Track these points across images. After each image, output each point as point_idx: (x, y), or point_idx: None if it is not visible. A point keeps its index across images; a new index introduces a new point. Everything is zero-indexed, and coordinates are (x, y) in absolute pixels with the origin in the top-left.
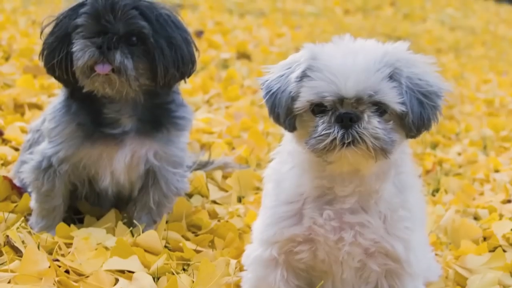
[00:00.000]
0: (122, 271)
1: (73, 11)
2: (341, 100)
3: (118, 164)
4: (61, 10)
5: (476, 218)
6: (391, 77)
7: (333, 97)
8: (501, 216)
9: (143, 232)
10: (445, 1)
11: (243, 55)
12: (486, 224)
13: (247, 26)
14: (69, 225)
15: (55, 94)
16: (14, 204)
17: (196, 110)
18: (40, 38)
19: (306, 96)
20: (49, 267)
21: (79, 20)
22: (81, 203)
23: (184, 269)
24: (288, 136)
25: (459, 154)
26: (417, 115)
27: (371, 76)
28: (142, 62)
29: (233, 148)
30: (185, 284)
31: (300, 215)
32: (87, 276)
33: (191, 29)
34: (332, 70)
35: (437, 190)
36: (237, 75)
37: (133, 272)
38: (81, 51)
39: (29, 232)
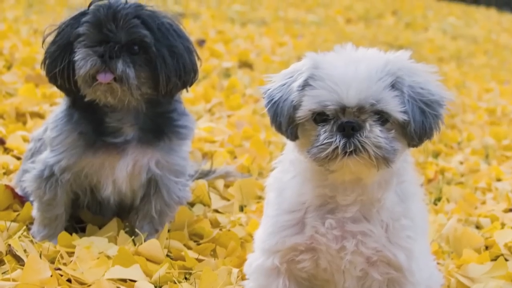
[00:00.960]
0: (124, 280)
1: (75, 20)
2: (343, 109)
3: (120, 173)
4: (63, 19)
5: (478, 227)
6: (393, 86)
7: (335, 106)
8: (503, 225)
9: (145, 241)
10: (447, 10)
11: (245, 64)
12: (488, 233)
13: (249, 35)
14: (71, 234)
15: (57, 103)
16: (16, 213)
17: (198, 119)
18: (42, 47)
19: (308, 105)
20: (51, 276)
21: (81, 29)
22: (83, 212)
23: (186, 278)
24: (290, 145)
25: (461, 163)
26: (419, 124)
27: (373, 85)
28: (144, 71)
29: (235, 157)
30: None
31: (302, 224)
32: (89, 285)
33: (193, 38)
34: (334, 79)
35: (439, 199)
36: (239, 84)
37: (135, 281)
38: (83, 60)
39: (31, 241)
